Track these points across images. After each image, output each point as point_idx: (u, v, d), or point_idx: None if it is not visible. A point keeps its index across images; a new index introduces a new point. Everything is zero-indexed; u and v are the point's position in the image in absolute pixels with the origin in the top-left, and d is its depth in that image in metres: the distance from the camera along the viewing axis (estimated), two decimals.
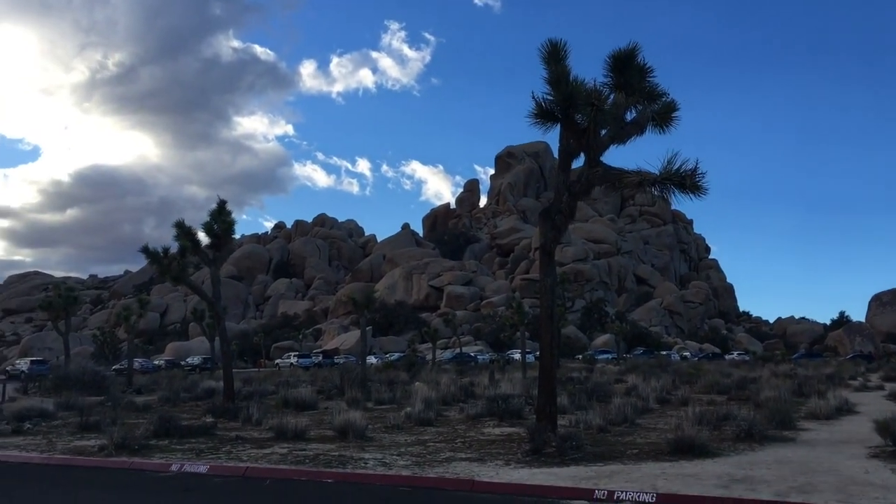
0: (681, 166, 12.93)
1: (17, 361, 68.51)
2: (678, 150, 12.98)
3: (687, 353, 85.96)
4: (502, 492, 9.91)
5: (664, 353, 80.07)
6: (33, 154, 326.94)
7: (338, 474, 11.22)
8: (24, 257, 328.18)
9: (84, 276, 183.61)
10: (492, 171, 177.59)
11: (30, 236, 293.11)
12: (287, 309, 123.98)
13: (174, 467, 12.18)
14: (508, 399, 19.73)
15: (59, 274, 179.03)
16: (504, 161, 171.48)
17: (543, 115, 14.17)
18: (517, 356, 60.07)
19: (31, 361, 60.15)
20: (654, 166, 13.13)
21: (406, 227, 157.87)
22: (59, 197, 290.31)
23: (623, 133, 14.38)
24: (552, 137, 15.02)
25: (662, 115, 14.64)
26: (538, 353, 16.32)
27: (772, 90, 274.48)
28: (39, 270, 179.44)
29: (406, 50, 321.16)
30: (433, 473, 11.03)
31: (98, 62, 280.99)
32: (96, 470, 12.53)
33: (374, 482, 10.75)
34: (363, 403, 22.75)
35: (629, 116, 14.58)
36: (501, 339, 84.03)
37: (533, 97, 14.07)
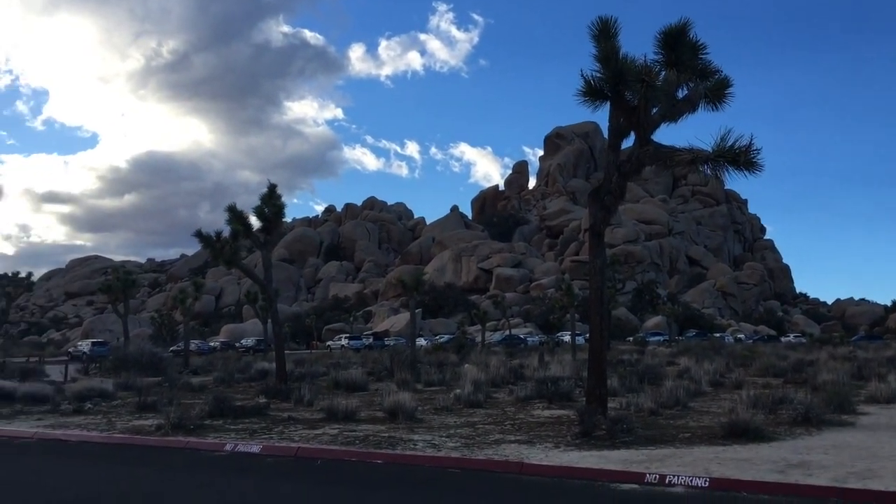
0: (734, 143, 12.59)
1: (79, 343, 70.64)
2: (731, 127, 12.65)
3: (741, 336, 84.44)
4: (551, 474, 9.86)
5: (717, 335, 78.82)
6: (92, 141, 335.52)
7: (387, 455, 11.29)
8: (85, 242, 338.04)
9: (142, 260, 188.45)
10: (541, 153, 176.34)
11: (90, 221, 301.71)
12: (338, 291, 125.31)
13: (228, 447, 12.39)
14: (558, 381, 19.62)
15: (118, 258, 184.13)
16: (553, 142, 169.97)
17: (592, 93, 13.92)
18: (567, 338, 59.73)
19: (92, 343, 61.93)
20: (706, 144, 12.82)
21: (455, 209, 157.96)
22: (118, 183, 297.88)
23: (675, 110, 14.06)
24: (602, 116, 14.78)
25: (715, 91, 14.27)
26: (588, 335, 16.16)
27: (831, 65, 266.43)
28: (99, 255, 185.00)
29: (454, 31, 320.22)
30: (482, 455, 11.02)
31: (153, 50, 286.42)
32: (153, 449, 12.83)
33: (424, 463, 10.79)
34: (413, 385, 22.86)
35: (681, 94, 14.25)
36: (551, 321, 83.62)
37: (582, 75, 13.85)
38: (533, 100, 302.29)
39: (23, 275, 64.70)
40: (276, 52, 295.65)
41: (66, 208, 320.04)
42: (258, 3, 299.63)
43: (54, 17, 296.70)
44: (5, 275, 64.61)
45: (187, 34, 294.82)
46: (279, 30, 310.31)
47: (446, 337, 71.51)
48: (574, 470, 9.91)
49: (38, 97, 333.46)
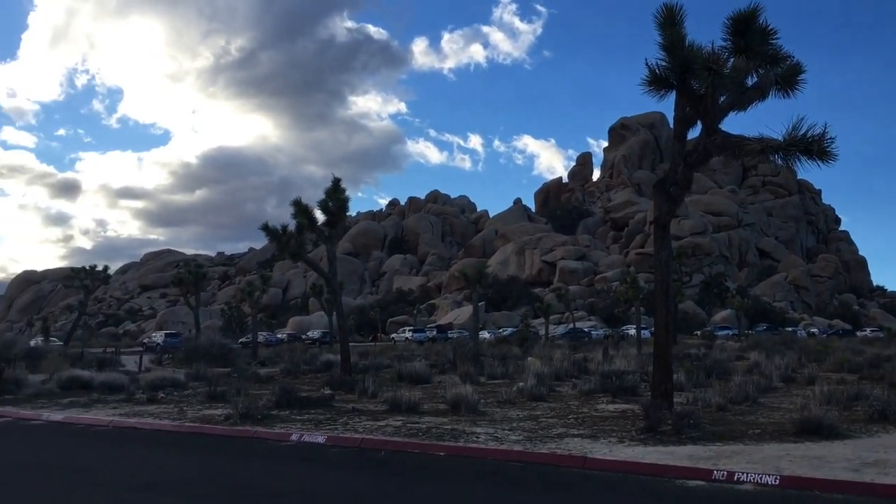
0: (807, 132, 12.20)
1: (153, 334, 72.90)
2: (804, 115, 12.24)
3: (814, 330, 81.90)
4: (615, 469, 9.74)
5: (789, 329, 76.64)
6: (164, 138, 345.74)
7: (450, 447, 11.33)
8: (158, 236, 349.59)
9: (212, 254, 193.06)
10: (605, 144, 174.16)
11: (162, 216, 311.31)
12: (402, 284, 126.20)
13: (294, 437, 12.61)
14: (623, 375, 19.38)
15: (189, 251, 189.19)
16: (618, 133, 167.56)
17: (658, 82, 13.67)
18: (632, 332, 58.97)
19: (166, 334, 63.76)
20: (776, 133, 12.44)
21: (518, 202, 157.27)
22: (189, 178, 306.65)
23: (744, 99, 13.69)
24: (668, 106, 14.49)
25: (787, 78, 13.85)
26: (653, 328, 15.91)
27: None
28: (172, 248, 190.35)
29: (517, 23, 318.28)
30: (545, 449, 10.96)
31: (221, 48, 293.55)
32: (222, 438, 13.14)
33: (486, 456, 10.79)
34: (476, 378, 22.88)
35: (750, 81, 13.86)
36: (616, 314, 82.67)
37: (647, 64, 13.61)
38: (597, 90, 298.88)
39: (100, 268, 66.82)
40: (340, 48, 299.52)
41: (140, 204, 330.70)
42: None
43: (127, 19, 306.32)
44: (83, 268, 66.74)
45: (254, 32, 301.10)
46: (343, 25, 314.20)
47: (509, 330, 71.33)
48: (639, 465, 9.77)
49: (113, 96, 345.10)
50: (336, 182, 25.88)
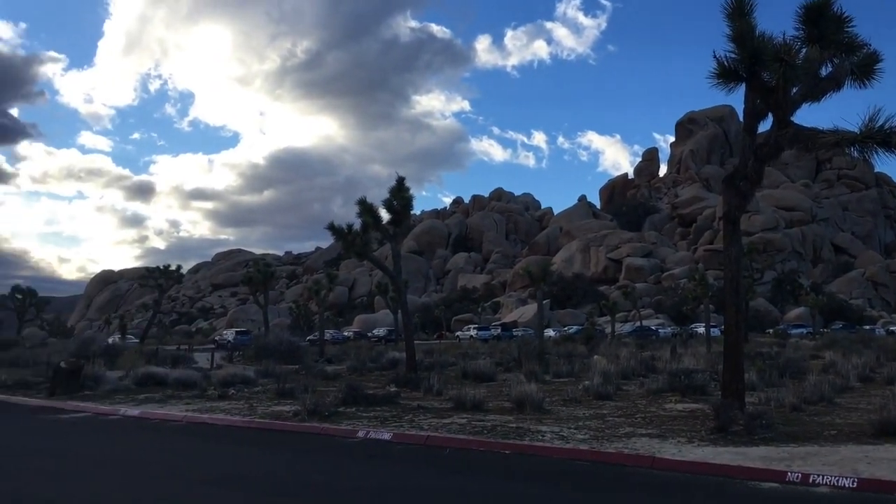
0: (885, 123, 11.73)
1: (224, 332, 74.68)
2: (881, 105, 11.78)
3: (894, 328, 78.80)
4: (685, 470, 9.56)
5: (867, 327, 73.91)
6: (233, 140, 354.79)
7: (515, 446, 11.30)
8: (228, 236, 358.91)
9: (280, 253, 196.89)
10: (672, 139, 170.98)
11: (232, 216, 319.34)
12: (466, 282, 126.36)
13: (360, 434, 12.77)
14: (692, 374, 19.01)
15: (258, 251, 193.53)
16: (685, 127, 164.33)
17: (726, 74, 13.33)
18: (701, 330, 57.76)
19: (236, 332, 65.22)
20: (852, 125, 12.00)
21: (583, 198, 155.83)
22: (257, 179, 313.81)
23: (817, 89, 13.26)
24: (737, 99, 14.16)
25: (863, 67, 13.34)
26: (723, 326, 15.56)
27: None
28: (242, 248, 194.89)
29: (581, 18, 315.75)
30: (612, 448, 10.82)
31: (288, 50, 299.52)
32: (291, 434, 13.39)
33: (552, 455, 10.72)
34: (541, 376, 22.76)
35: (824, 72, 13.41)
36: (684, 312, 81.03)
37: (715, 56, 13.27)
38: (663, 85, 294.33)
39: (173, 268, 69.03)
40: (404, 47, 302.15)
41: (210, 205, 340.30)
42: (386, 0, 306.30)
43: (198, 25, 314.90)
44: (157, 268, 68.99)
45: (320, 33, 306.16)
46: (407, 25, 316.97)
47: (575, 328, 70.75)
48: (709, 466, 9.57)
49: (185, 100, 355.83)
50: (400, 181, 26.07)
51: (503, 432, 12.42)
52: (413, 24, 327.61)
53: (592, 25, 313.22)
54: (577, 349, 37.97)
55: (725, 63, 13.22)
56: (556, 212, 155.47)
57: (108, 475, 9.74)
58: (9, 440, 13.26)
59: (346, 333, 77.50)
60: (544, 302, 56.82)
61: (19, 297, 68.82)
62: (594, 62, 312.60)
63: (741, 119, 14.81)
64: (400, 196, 25.90)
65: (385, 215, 26.28)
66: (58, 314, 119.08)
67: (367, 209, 26.09)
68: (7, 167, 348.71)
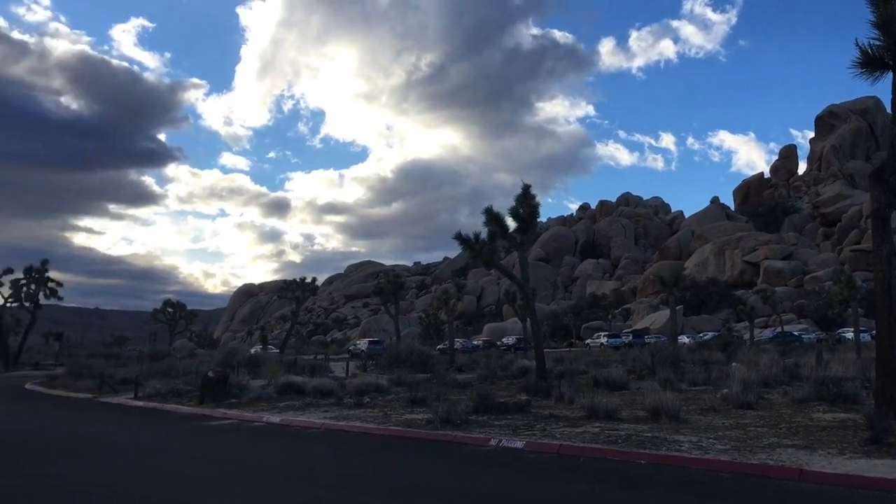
0: None
1: (358, 342, 76.89)
2: None
3: None
4: (836, 483, 9.03)
5: None
6: (362, 155, 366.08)
7: (651, 455, 11.02)
8: (360, 248, 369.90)
9: (409, 264, 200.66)
10: (811, 135, 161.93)
11: (362, 229, 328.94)
12: (595, 289, 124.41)
13: (493, 442, 12.82)
14: (840, 382, 17.92)
15: (388, 262, 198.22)
16: (825, 122, 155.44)
17: (871, 63, 12.57)
18: (849, 335, 54.33)
19: (369, 342, 67.01)
20: None
21: (715, 200, 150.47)
22: (385, 192, 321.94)
23: None
24: (882, 89, 13.40)
25: None
26: (874, 331, 14.59)
27: None
28: (372, 260, 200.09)
29: (709, 14, 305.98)
30: (755, 460, 10.36)
31: (412, 64, 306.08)
32: (424, 441, 13.62)
33: (690, 465, 10.39)
34: (676, 384, 22.10)
35: None
36: (829, 316, 76.44)
37: (857, 44, 12.57)
38: (800, 78, 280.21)
39: (308, 280, 71.88)
40: (526, 55, 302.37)
41: (342, 218, 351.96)
42: (508, 8, 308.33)
43: (326, 45, 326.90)
44: (294, 280, 72.04)
45: (443, 46, 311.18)
46: (529, 33, 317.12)
47: (710, 334, 68.15)
48: (865, 479, 9.00)
49: (316, 118, 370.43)
50: (526, 189, 26.04)
51: (638, 442, 12.15)
52: (535, 31, 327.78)
53: (721, 21, 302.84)
54: (713, 356, 36.59)
55: (869, 51, 12.49)
56: (687, 215, 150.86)
57: (259, 481, 10.23)
58: (169, 446, 14.19)
59: (475, 342, 77.95)
60: (677, 308, 55.13)
61: (170, 310, 73.55)
62: (724, 59, 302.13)
63: (888, 110, 13.90)
64: (526, 204, 25.87)
65: (511, 224, 26.31)
66: (204, 326, 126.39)
67: (493, 218, 26.20)
68: (157, 189, 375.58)
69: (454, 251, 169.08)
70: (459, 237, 28.04)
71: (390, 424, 15.51)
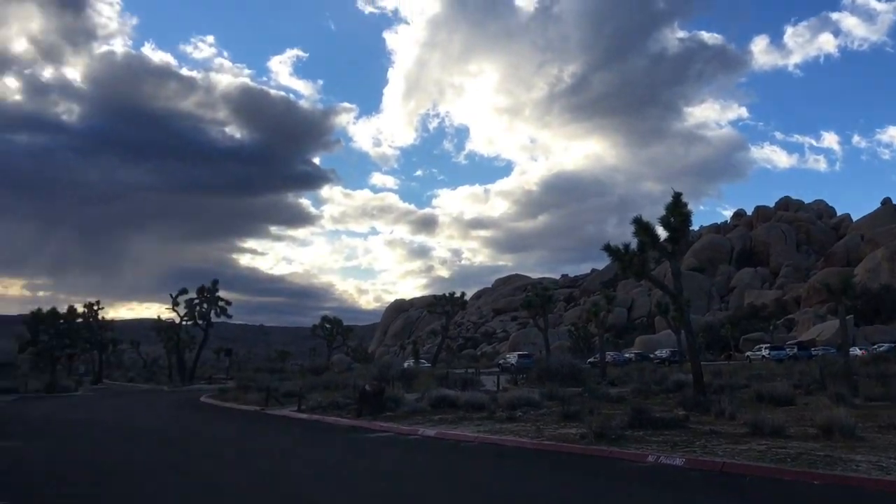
0: None
1: (507, 355, 76.99)
2: None
3: None
4: None
5: None
6: (507, 169, 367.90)
7: (825, 476, 10.32)
8: (506, 262, 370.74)
9: (556, 276, 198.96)
10: None
11: (509, 243, 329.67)
12: (753, 299, 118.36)
13: (650, 458, 12.44)
14: None
15: (535, 275, 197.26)
16: None
17: None
18: None
19: (519, 355, 66.91)
20: None
21: (887, 201, 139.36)
22: (531, 205, 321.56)
23: None
24: None
25: None
26: None
27: None
28: (519, 273, 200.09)
29: (873, 3, 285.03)
30: None
31: (554, 77, 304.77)
32: (579, 456, 13.43)
33: (870, 487, 9.64)
34: (849, 399, 20.60)
35: None
36: None
37: None
38: None
39: (457, 295, 72.93)
40: (672, 60, 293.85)
41: (488, 232, 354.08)
42: (652, 13, 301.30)
43: (469, 62, 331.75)
44: (443, 295, 73.41)
45: (585, 56, 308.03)
46: (674, 36, 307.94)
47: (886, 345, 63.13)
48: None
49: (460, 135, 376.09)
50: (676, 196, 25.27)
51: (809, 461, 11.41)
52: (681, 34, 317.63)
53: (887, 10, 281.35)
54: (890, 369, 33.78)
55: None
56: (854, 218, 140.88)
57: (435, 495, 10.43)
58: (338, 459, 14.72)
59: (627, 355, 76.14)
60: (847, 318, 51.48)
61: (328, 326, 76.75)
62: (892, 49, 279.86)
63: None
64: (677, 212, 25.09)
65: (662, 233, 25.60)
66: (360, 341, 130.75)
67: (643, 228, 25.58)
68: (313, 210, 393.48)
69: (602, 263, 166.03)
70: (608, 248, 27.55)
71: (544, 439, 15.39)
